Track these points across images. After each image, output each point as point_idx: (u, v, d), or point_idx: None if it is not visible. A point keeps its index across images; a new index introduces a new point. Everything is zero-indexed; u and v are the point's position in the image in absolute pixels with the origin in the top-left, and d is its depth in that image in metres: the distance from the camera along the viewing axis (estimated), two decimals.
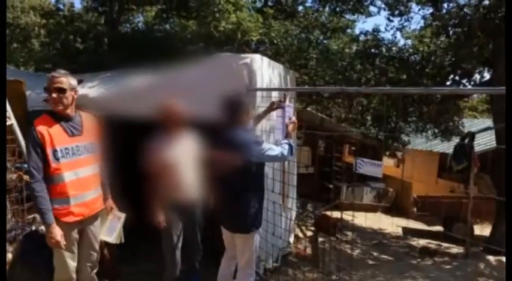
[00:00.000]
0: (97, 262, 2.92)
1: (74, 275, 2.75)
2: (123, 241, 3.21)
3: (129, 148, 3.47)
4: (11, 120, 3.48)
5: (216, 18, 5.62)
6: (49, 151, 2.51)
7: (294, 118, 3.20)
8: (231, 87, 3.74)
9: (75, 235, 2.69)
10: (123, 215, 3.13)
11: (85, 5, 9.34)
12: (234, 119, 2.88)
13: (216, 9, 5.59)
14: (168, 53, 6.16)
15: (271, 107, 3.41)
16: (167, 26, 9.34)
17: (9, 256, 3.54)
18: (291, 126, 3.04)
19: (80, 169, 2.64)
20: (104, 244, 3.70)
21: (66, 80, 2.58)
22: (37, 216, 3.78)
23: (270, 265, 4.20)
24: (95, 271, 2.91)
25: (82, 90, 3.87)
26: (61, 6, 9.88)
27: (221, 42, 5.93)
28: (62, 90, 2.55)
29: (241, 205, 2.87)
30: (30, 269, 2.99)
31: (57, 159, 2.53)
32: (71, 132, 2.63)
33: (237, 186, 2.82)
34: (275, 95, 4.10)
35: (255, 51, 6.64)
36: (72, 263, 2.70)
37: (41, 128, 2.53)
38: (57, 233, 2.50)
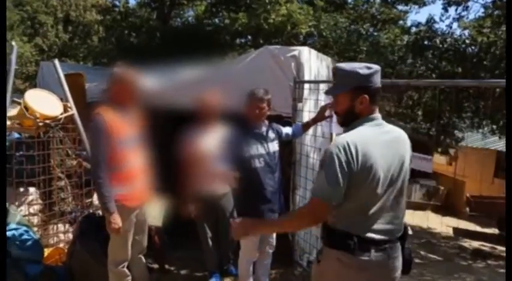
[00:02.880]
0: (146, 246, 3.10)
1: (129, 257, 2.93)
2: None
3: (173, 139, 3.60)
4: (73, 110, 3.74)
5: (266, 10, 5.64)
6: (117, 141, 2.68)
7: None
8: (278, 80, 3.78)
9: (134, 218, 2.87)
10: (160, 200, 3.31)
11: (139, 1, 9.72)
12: (247, 113, 3.04)
13: (267, 1, 5.60)
14: (218, 47, 6.27)
15: (323, 115, 3.25)
16: (216, 20, 9.50)
17: (70, 236, 3.83)
18: None
19: (138, 157, 2.82)
20: (155, 231, 3.91)
21: (131, 74, 2.74)
22: (94, 200, 4.06)
23: (313, 257, 4.20)
24: (143, 253, 3.09)
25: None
26: (117, 3, 10.36)
27: (270, 34, 5.94)
28: (128, 84, 2.72)
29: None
30: (87, 248, 3.20)
31: (124, 148, 2.71)
32: (130, 123, 2.79)
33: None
34: (323, 87, 4.07)
35: (304, 44, 6.60)
36: (129, 245, 2.88)
37: (109, 119, 2.67)
38: (119, 221, 2.68)
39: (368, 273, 1.80)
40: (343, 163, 1.71)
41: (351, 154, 1.71)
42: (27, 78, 14.45)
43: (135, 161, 2.80)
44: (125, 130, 2.74)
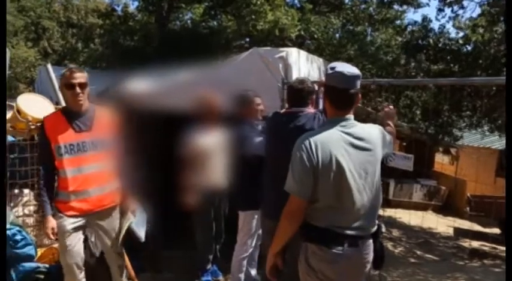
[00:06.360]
0: (117, 256, 2.88)
1: (74, 261, 2.71)
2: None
3: (170, 139, 3.68)
4: None
5: (253, 18, 5.74)
6: (53, 147, 2.56)
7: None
8: (267, 81, 3.84)
9: (73, 225, 2.66)
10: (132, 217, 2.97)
11: (137, 6, 9.85)
12: (241, 113, 3.17)
13: (253, 9, 5.70)
14: (212, 49, 6.35)
15: None
16: (215, 23, 9.57)
17: None
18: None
19: (84, 165, 2.62)
20: (147, 231, 3.98)
21: (85, 74, 2.58)
22: None
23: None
24: (119, 263, 2.93)
25: (129, 86, 4.17)
26: (116, 7, 10.49)
27: (262, 38, 6.02)
28: (84, 85, 2.55)
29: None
30: None
31: (60, 155, 2.57)
32: (78, 129, 2.61)
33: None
34: None
35: (300, 46, 6.65)
36: (74, 256, 2.69)
37: (49, 125, 2.60)
38: (49, 225, 2.58)
39: (338, 265, 1.90)
40: (305, 159, 1.85)
41: (311, 150, 1.85)
42: (31, 82, 14.65)
43: (78, 169, 2.60)
44: (65, 137, 2.57)
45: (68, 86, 2.55)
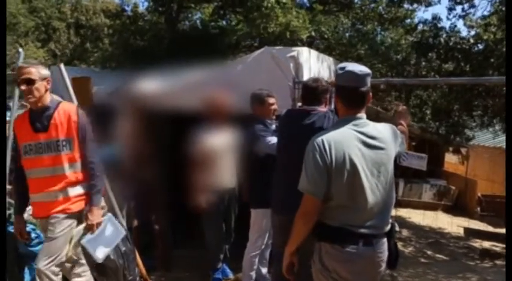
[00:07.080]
0: (56, 262, 2.48)
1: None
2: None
3: (180, 139, 3.70)
4: None
5: (264, 21, 5.74)
6: (21, 146, 2.53)
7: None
8: (278, 80, 3.84)
9: (44, 228, 2.62)
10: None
11: (147, 6, 9.91)
12: (255, 112, 3.22)
13: (263, 13, 5.72)
14: (222, 49, 6.36)
15: None
16: (224, 22, 9.58)
17: None
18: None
19: (38, 167, 2.49)
20: (158, 231, 4.01)
21: (36, 70, 2.43)
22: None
23: None
24: (55, 268, 2.49)
25: (139, 86, 4.19)
26: (126, 8, 10.54)
27: (272, 40, 6.03)
28: (31, 81, 2.40)
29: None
30: None
31: (22, 154, 2.53)
32: (36, 129, 2.49)
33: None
34: None
35: (309, 45, 6.65)
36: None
37: (17, 124, 2.58)
38: (15, 226, 2.61)
39: (352, 265, 1.88)
40: (318, 159, 1.85)
41: (325, 149, 1.85)
42: None
43: (33, 171, 2.51)
44: (26, 137, 2.50)
45: (17, 84, 2.46)
